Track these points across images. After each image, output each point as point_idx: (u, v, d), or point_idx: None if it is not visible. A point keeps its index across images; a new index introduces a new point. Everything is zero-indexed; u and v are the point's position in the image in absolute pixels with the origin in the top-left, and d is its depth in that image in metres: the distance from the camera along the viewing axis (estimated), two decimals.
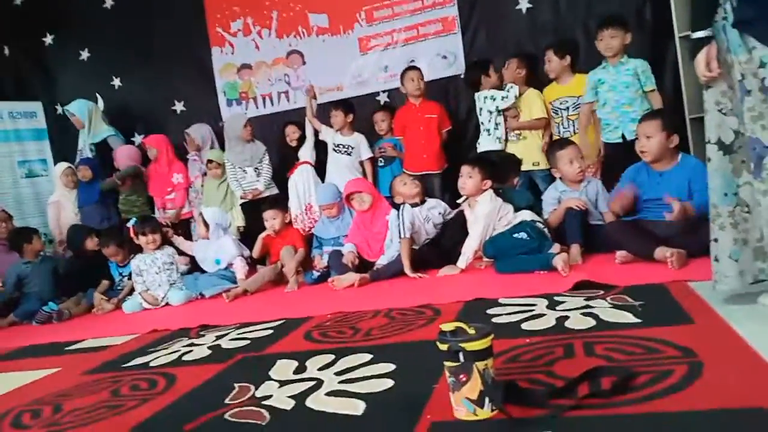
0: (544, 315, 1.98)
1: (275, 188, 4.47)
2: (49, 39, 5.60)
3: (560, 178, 3.21)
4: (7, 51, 5.68)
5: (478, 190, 3.12)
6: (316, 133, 4.37)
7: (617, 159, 3.26)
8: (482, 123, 3.91)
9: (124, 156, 4.75)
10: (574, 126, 3.71)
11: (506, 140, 3.87)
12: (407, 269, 3.15)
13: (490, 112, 3.83)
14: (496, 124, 3.84)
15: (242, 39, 5.00)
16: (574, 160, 3.12)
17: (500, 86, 3.88)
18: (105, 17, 5.36)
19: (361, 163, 4.34)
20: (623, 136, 3.33)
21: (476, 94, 3.92)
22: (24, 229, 4.14)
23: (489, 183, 3.13)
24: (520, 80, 3.88)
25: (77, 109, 4.84)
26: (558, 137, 3.67)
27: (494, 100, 3.80)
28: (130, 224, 3.84)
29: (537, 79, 3.96)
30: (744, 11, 1.58)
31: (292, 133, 4.49)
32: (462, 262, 3.05)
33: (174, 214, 4.66)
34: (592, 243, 2.93)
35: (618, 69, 3.37)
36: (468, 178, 3.12)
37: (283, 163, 4.57)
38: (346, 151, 4.27)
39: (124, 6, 5.31)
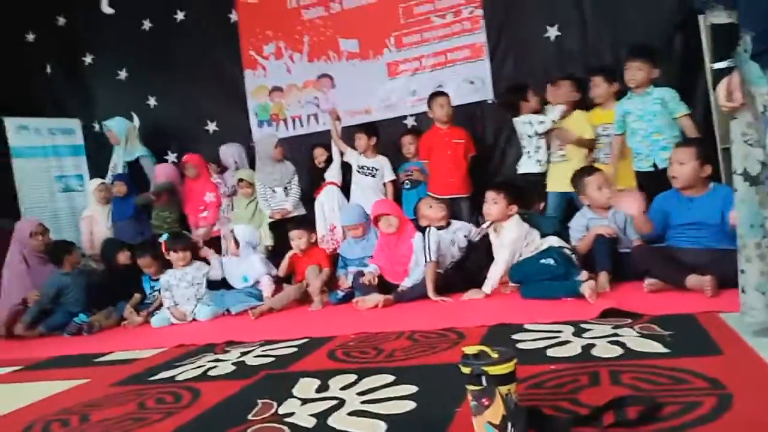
0: (570, 342, 1.96)
1: (302, 208, 4.53)
2: (88, 59, 5.80)
3: (588, 205, 3.19)
4: (48, 69, 5.89)
5: (504, 215, 3.11)
6: (343, 154, 4.43)
7: (649, 188, 3.18)
8: (523, 147, 3.92)
9: (162, 173, 4.88)
10: (599, 153, 3.69)
11: (548, 162, 3.85)
12: (431, 293, 3.15)
13: (530, 137, 3.84)
14: (537, 148, 3.84)
15: (274, 62, 5.13)
16: (602, 187, 3.10)
17: (539, 110, 3.87)
18: (143, 39, 5.54)
19: (384, 185, 4.38)
20: (654, 165, 3.29)
21: (515, 120, 3.93)
22: (63, 242, 4.25)
23: (515, 208, 3.11)
24: (571, 103, 3.84)
25: (116, 125, 5.00)
26: (598, 164, 3.62)
27: (532, 125, 3.81)
28: (161, 240, 3.93)
29: (582, 103, 3.92)
30: (760, 44, 1.58)
31: (319, 155, 4.57)
32: (487, 287, 3.04)
33: (205, 232, 4.75)
34: (621, 271, 2.89)
35: (644, 98, 3.34)
36: (493, 204, 3.11)
37: (312, 184, 4.64)
38: (370, 173, 4.32)
39: (161, 28, 5.48)
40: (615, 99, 3.67)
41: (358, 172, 4.34)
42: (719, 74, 1.74)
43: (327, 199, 4.36)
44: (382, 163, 4.35)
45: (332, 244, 4.26)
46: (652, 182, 3.19)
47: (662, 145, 3.25)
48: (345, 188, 4.45)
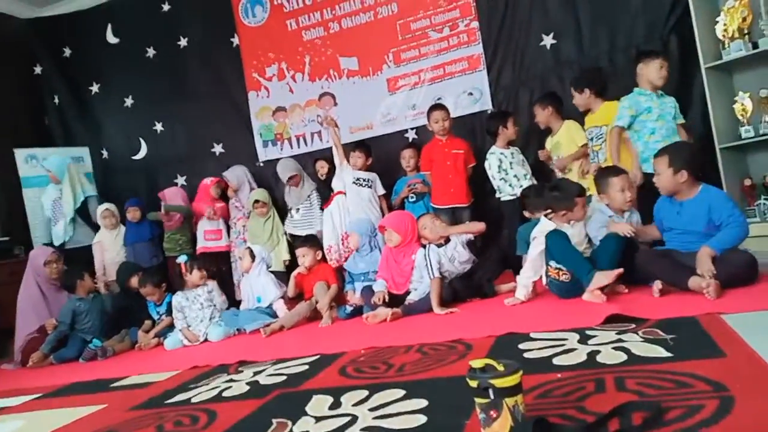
0: (576, 349, 1.99)
1: (318, 224, 4.58)
2: (95, 87, 5.92)
3: (606, 204, 3.16)
4: (57, 100, 6.01)
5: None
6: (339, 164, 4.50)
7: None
8: (498, 176, 4.00)
9: (173, 195, 5.02)
10: (598, 156, 3.70)
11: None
12: (435, 307, 3.17)
13: (504, 170, 3.98)
14: (515, 176, 3.97)
15: (277, 83, 5.23)
16: (626, 189, 3.03)
17: (515, 140, 4.07)
18: (147, 66, 5.66)
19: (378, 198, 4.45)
20: None
21: (488, 155, 4.04)
22: (74, 268, 4.33)
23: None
24: (555, 118, 3.91)
25: (54, 165, 5.09)
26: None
27: (506, 157, 3.98)
28: (180, 261, 4.00)
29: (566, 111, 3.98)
30: None
31: (321, 167, 4.65)
32: (523, 293, 3.06)
33: (214, 244, 4.86)
34: (627, 272, 2.88)
35: (662, 100, 3.37)
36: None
37: (322, 198, 4.68)
38: (366, 184, 4.39)
39: (165, 55, 5.60)
40: (601, 101, 3.70)
41: (355, 183, 4.41)
42: None
43: (337, 209, 4.43)
44: (374, 177, 4.44)
45: (345, 254, 4.31)
46: None
47: None
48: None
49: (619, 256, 2.79)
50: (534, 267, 3.05)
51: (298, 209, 4.64)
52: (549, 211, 3.10)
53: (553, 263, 2.90)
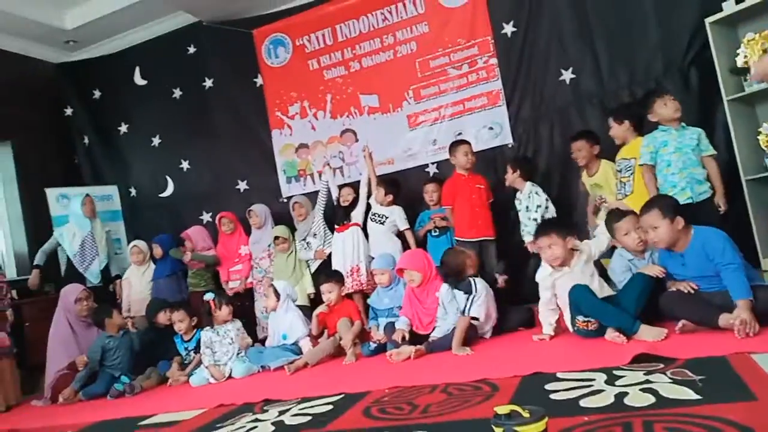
0: (603, 391, 1.97)
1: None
2: (123, 128, 6.10)
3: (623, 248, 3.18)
4: (86, 140, 6.20)
5: (569, 255, 3.03)
6: (370, 195, 4.57)
7: (687, 220, 3.05)
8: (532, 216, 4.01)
9: (197, 235, 5.11)
10: (625, 188, 3.69)
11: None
12: (455, 347, 3.15)
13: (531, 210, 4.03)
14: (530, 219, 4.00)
15: (299, 121, 5.35)
16: (631, 231, 3.04)
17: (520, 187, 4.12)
18: (174, 106, 5.83)
19: (398, 234, 4.47)
20: (691, 198, 3.27)
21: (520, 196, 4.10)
22: (103, 306, 4.41)
23: (572, 241, 3.03)
24: (594, 157, 3.91)
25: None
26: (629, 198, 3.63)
27: (528, 210, 4.01)
28: (207, 298, 4.05)
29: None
30: None
31: (346, 194, 4.67)
32: (549, 329, 3.07)
33: (240, 284, 4.92)
34: (652, 309, 2.86)
35: (682, 132, 3.36)
36: (548, 248, 3.00)
37: (333, 220, 4.71)
38: (380, 221, 4.45)
39: (190, 95, 5.77)
40: (637, 134, 3.69)
41: (371, 219, 4.48)
42: None
43: (351, 239, 4.48)
44: (395, 212, 4.45)
45: (355, 286, 4.37)
46: (689, 215, 3.05)
47: (698, 179, 3.28)
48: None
49: (646, 296, 2.79)
50: (547, 307, 3.08)
51: (314, 234, 4.70)
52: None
53: (581, 317, 2.87)
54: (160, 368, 4.16)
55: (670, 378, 1.97)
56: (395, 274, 3.79)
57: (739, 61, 3.73)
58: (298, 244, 4.78)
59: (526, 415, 1.32)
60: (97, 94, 6.18)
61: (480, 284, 3.34)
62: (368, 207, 4.57)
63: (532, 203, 3.99)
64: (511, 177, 4.09)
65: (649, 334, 2.56)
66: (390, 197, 4.45)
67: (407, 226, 4.46)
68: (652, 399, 1.79)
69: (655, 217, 2.73)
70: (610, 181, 3.81)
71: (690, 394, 1.77)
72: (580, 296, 2.83)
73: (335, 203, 4.71)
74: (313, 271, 4.74)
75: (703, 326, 2.53)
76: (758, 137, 3.75)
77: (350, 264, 4.44)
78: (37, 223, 5.49)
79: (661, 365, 2.14)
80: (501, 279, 3.85)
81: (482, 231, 4.16)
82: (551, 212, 3.99)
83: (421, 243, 4.42)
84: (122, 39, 6.04)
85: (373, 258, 4.19)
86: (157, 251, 5.04)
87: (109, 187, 5.92)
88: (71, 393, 4.01)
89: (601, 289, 2.96)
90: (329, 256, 4.62)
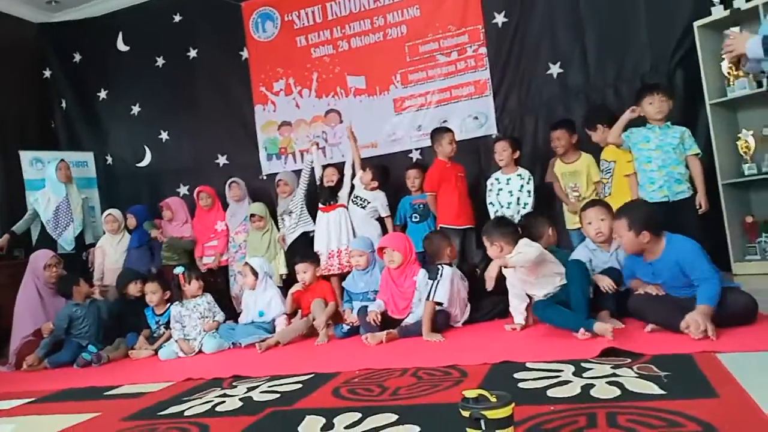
0: (570, 382, 2.00)
1: (312, 224, 4.62)
2: (103, 94, 5.97)
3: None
4: (64, 104, 6.06)
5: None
6: (354, 175, 4.54)
7: (659, 226, 3.03)
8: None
9: (177, 206, 5.06)
10: (604, 189, 3.75)
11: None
12: (425, 333, 3.17)
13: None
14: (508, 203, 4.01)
15: (284, 98, 5.28)
16: (593, 221, 3.12)
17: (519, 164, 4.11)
18: (156, 75, 5.71)
19: (379, 220, 4.47)
20: (667, 197, 3.30)
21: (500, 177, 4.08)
22: (70, 274, 4.33)
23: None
24: (573, 147, 3.94)
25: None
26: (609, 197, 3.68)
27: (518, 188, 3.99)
28: (177, 272, 4.01)
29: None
30: None
31: (330, 174, 4.61)
32: (520, 318, 3.11)
33: (214, 260, 4.86)
34: (623, 308, 2.90)
35: (665, 130, 3.37)
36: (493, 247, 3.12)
37: (315, 198, 4.67)
38: (361, 204, 4.44)
39: (174, 65, 5.66)
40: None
41: (352, 201, 4.46)
42: None
43: (335, 221, 4.46)
44: (378, 197, 4.44)
45: (332, 269, 4.37)
46: (663, 213, 3.14)
47: (676, 178, 3.30)
48: None
49: (587, 283, 2.89)
50: (516, 295, 3.10)
51: (290, 212, 4.66)
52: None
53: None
54: (128, 340, 4.12)
55: (636, 373, 2.00)
56: (373, 257, 3.79)
57: (724, 67, 3.77)
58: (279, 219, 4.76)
59: (493, 399, 1.33)
60: (77, 57, 6.04)
61: (446, 270, 3.32)
62: (351, 188, 4.54)
63: (523, 188, 3.98)
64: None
65: (600, 329, 2.58)
66: (375, 183, 4.42)
67: (388, 213, 4.46)
68: (617, 392, 1.82)
69: (621, 226, 2.77)
70: (591, 170, 3.85)
71: (654, 389, 1.80)
72: (538, 311, 2.92)
73: (318, 183, 4.66)
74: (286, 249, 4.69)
75: (668, 329, 2.56)
76: (737, 142, 3.81)
77: (333, 246, 4.42)
78: (9, 185, 5.36)
79: (629, 360, 2.17)
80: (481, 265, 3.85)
81: (466, 219, 4.17)
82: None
83: (402, 229, 4.41)
84: (107, 2, 5.90)
85: None
86: (131, 221, 4.96)
87: (85, 153, 5.78)
88: (35, 360, 3.96)
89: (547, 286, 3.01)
90: (312, 235, 4.58)
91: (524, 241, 3.01)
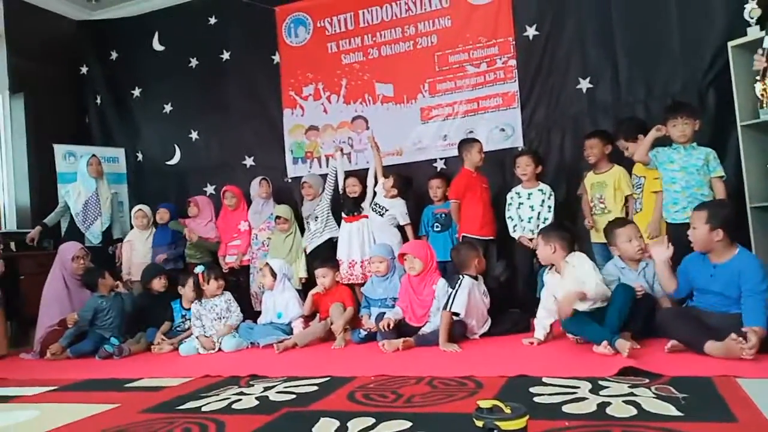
0: (587, 399, 1.98)
1: (337, 230, 4.65)
2: (137, 92, 6.10)
3: (619, 255, 3.22)
4: (99, 100, 6.20)
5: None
6: (376, 183, 4.55)
7: (683, 240, 3.00)
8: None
9: (204, 203, 5.19)
10: (635, 205, 3.73)
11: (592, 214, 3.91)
12: (442, 342, 3.17)
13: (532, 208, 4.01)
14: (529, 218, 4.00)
15: (312, 103, 5.34)
16: (633, 239, 3.12)
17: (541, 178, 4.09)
18: (189, 75, 5.82)
19: (399, 228, 4.46)
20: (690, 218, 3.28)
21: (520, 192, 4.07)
22: (96, 267, 4.43)
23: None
24: (606, 158, 3.90)
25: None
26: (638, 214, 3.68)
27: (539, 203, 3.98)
28: (197, 271, 4.07)
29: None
30: None
31: (351, 184, 4.63)
32: (541, 333, 3.09)
33: (236, 259, 4.93)
34: (648, 327, 2.85)
35: (689, 152, 3.35)
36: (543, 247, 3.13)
37: (338, 208, 4.72)
38: (379, 212, 4.44)
39: (207, 66, 5.75)
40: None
41: (372, 208, 4.48)
42: None
43: (358, 232, 4.48)
44: (396, 205, 4.42)
45: (351, 279, 4.39)
46: (686, 234, 3.03)
47: (701, 200, 3.24)
48: None
49: (627, 307, 2.81)
50: (547, 309, 3.08)
51: (316, 218, 4.69)
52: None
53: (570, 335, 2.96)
54: (149, 335, 4.19)
55: (654, 393, 1.98)
56: (393, 263, 3.81)
57: (757, 89, 3.71)
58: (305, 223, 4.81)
59: (507, 410, 1.33)
60: (114, 55, 6.17)
61: (465, 281, 3.33)
62: (374, 195, 4.57)
63: (544, 203, 3.98)
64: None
65: (620, 345, 2.55)
66: (395, 191, 4.42)
67: (407, 222, 4.44)
68: (633, 411, 1.81)
69: (699, 218, 2.72)
70: (621, 183, 3.80)
71: (672, 410, 1.78)
72: (566, 320, 2.90)
73: (341, 192, 4.69)
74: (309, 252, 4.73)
75: (690, 349, 2.53)
76: (767, 165, 3.75)
77: (355, 256, 4.44)
78: (42, 178, 5.50)
79: (647, 380, 2.15)
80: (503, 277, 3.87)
81: (489, 230, 4.17)
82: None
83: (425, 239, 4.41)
84: (145, 2, 6.04)
85: None
86: (164, 216, 5.06)
87: (117, 149, 5.92)
88: (59, 349, 4.05)
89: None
90: (335, 241, 4.61)
91: (578, 255, 3.05)
